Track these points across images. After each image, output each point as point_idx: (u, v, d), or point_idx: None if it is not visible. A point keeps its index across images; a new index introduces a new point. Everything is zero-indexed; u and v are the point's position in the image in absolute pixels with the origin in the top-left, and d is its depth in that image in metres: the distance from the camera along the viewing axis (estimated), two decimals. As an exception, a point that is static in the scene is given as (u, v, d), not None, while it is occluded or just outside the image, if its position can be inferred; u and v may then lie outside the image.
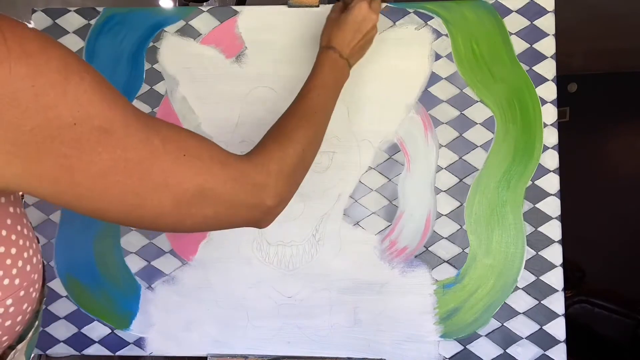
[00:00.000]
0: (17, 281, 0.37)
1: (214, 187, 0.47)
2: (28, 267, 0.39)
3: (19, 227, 0.38)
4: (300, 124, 0.62)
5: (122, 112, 0.39)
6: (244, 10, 0.87)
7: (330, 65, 0.70)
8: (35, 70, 0.32)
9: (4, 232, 0.37)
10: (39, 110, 0.32)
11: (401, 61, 0.84)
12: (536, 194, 0.81)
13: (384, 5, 0.78)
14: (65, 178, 0.36)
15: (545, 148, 0.82)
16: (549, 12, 0.83)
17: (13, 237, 0.37)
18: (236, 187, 0.49)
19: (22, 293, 0.38)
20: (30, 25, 0.35)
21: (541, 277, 0.81)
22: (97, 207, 0.40)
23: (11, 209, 0.38)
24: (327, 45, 0.71)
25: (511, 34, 0.83)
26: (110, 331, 0.86)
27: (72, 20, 0.89)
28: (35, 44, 0.33)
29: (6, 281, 0.36)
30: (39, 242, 0.52)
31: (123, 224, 0.44)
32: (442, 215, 0.83)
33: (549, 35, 0.83)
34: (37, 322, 0.43)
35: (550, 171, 0.82)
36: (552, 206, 0.81)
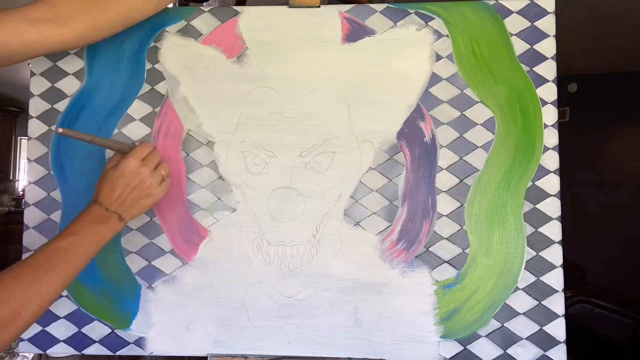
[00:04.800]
0: None
1: None
2: None
3: None
4: (28, 283, 0.61)
5: None
6: (245, 11, 0.87)
7: (92, 219, 0.70)
8: None
9: None
10: None
11: (402, 62, 0.84)
12: (536, 194, 0.82)
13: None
14: None
15: (546, 149, 0.82)
16: (549, 13, 0.83)
17: None
18: None
19: None
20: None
21: (541, 278, 0.81)
22: None
23: None
24: (94, 199, 0.72)
25: (512, 34, 0.83)
26: (110, 331, 0.86)
27: (72, 20, 0.89)
28: None
29: None
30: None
31: None
32: (443, 215, 0.83)
33: (549, 36, 0.83)
34: None
35: (551, 172, 0.82)
36: (552, 207, 0.81)
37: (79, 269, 0.68)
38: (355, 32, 0.85)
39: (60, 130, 0.69)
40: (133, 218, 0.75)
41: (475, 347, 0.81)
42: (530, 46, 0.83)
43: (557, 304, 0.80)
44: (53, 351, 0.87)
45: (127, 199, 0.73)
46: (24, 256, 0.88)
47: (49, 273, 0.63)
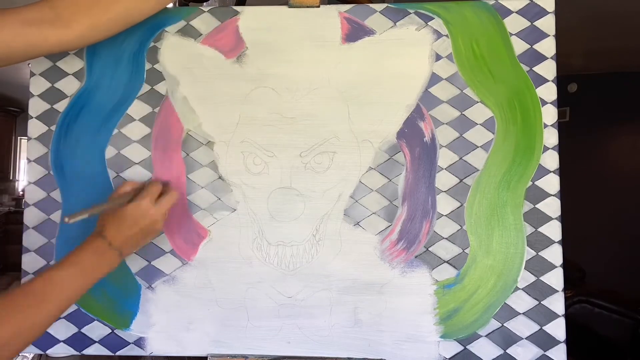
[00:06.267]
0: None
1: None
2: None
3: None
4: (24, 310, 0.61)
5: None
6: (245, 11, 0.87)
7: (95, 251, 0.70)
8: None
9: None
10: None
11: (401, 62, 0.84)
12: (536, 194, 0.82)
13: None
14: None
15: (546, 149, 0.82)
16: (549, 13, 0.83)
17: None
18: None
19: None
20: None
21: (541, 278, 0.81)
22: None
23: None
24: (100, 231, 0.72)
25: (511, 34, 0.83)
26: (110, 331, 0.86)
27: (72, 20, 0.89)
28: None
29: None
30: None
31: None
32: (443, 215, 0.83)
33: (549, 36, 0.83)
34: None
35: (551, 172, 0.82)
36: (552, 207, 0.81)
37: (73, 300, 0.68)
38: (355, 32, 0.85)
39: (66, 219, 0.67)
40: (131, 254, 0.76)
41: (475, 347, 0.81)
42: (530, 46, 0.83)
43: (557, 303, 0.80)
44: (53, 351, 0.87)
45: (131, 239, 0.73)
46: (23, 257, 0.88)
47: (45, 302, 0.63)
